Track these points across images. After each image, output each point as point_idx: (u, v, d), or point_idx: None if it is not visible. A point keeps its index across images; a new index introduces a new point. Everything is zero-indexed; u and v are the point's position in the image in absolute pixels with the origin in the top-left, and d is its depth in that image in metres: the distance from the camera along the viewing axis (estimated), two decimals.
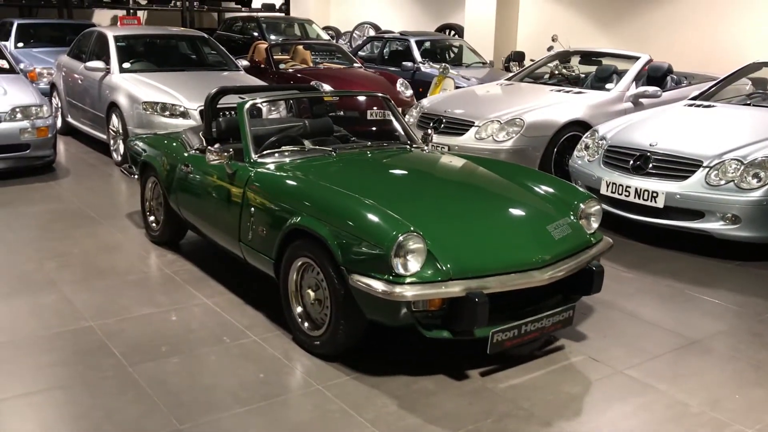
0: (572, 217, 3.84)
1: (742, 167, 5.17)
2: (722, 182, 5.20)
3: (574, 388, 3.42)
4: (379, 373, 3.49)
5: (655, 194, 5.40)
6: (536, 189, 4.05)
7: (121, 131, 7.93)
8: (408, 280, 3.22)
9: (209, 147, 4.68)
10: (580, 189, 4.25)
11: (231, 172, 4.30)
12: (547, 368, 3.60)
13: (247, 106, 4.50)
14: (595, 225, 3.91)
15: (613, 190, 5.65)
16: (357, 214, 3.43)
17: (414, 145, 4.80)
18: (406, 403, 3.24)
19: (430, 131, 5.10)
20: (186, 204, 4.94)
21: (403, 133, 4.96)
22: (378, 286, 3.22)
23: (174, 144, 5.24)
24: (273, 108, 7.69)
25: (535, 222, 3.72)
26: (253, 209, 4.06)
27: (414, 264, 3.24)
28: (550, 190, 4.04)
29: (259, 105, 5.42)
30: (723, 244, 5.32)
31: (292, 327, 3.84)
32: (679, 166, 5.43)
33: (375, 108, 8.00)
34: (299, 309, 3.78)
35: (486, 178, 4.21)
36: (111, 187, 7.30)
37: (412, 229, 3.26)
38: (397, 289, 3.19)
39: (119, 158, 8.10)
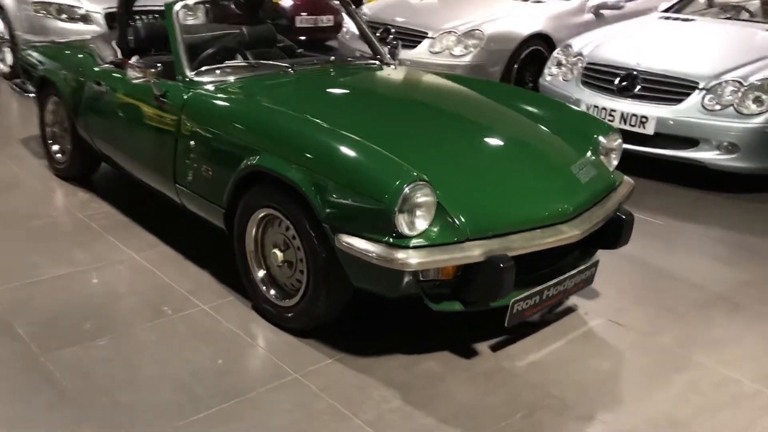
0: (592, 154, 3.18)
1: (742, 90, 4.63)
2: (719, 107, 4.66)
3: (604, 363, 2.85)
4: (368, 352, 2.80)
5: (644, 119, 4.82)
6: (548, 120, 3.34)
7: (7, 37, 6.67)
8: (414, 242, 2.49)
9: (129, 61, 3.72)
10: (600, 119, 3.59)
11: (160, 94, 3.38)
12: (565, 337, 3.00)
13: (177, 7, 3.53)
14: (615, 163, 3.27)
15: (596, 114, 5.04)
16: (346, 157, 2.63)
17: (384, 61, 3.98)
18: (410, 395, 2.57)
19: (396, 42, 4.28)
20: (100, 132, 3.97)
21: (367, 45, 4.11)
22: (375, 250, 2.48)
23: (80, 56, 4.20)
24: (190, 13, 6.62)
25: (558, 163, 3.03)
26: (192, 143, 3.19)
27: (422, 222, 2.51)
28: (564, 120, 3.35)
29: (191, 6, 4.41)
30: (703, 172, 4.82)
31: (252, 294, 3.07)
32: (671, 88, 4.84)
33: (326, 15, 7.01)
34: (261, 273, 3.01)
35: (489, 107, 3.45)
36: None
37: (419, 176, 2.51)
38: (401, 255, 2.45)
39: (7, 69, 6.87)
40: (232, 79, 3.42)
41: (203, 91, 3.29)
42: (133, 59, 3.93)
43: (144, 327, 2.92)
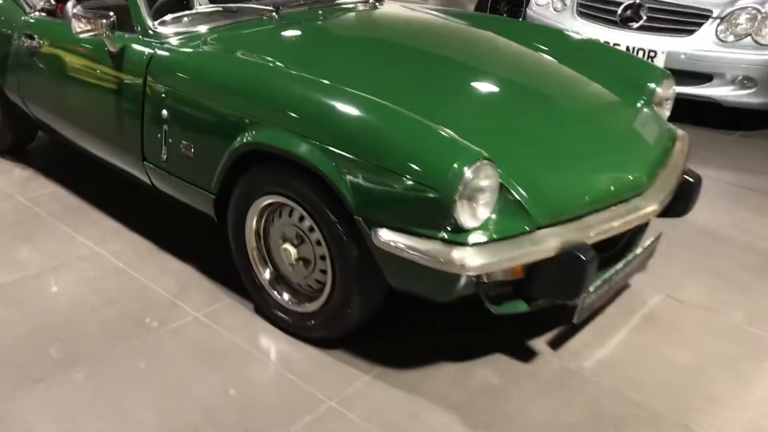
0: (648, 107, 2.70)
1: (760, 17, 4.22)
2: (734, 37, 4.24)
3: (680, 354, 2.45)
4: (407, 363, 2.31)
5: (652, 53, 4.37)
6: (591, 66, 2.82)
7: None
8: (475, 237, 1.98)
9: (67, 6, 3.02)
10: (651, 63, 3.10)
11: (116, 51, 2.71)
12: (627, 324, 2.58)
13: None
14: (667, 113, 2.81)
15: None
16: (385, 132, 2.06)
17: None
18: (475, 417, 2.11)
19: None
20: (36, 97, 3.27)
21: None
22: (426, 248, 1.96)
23: (1, 2, 3.43)
24: None
25: (621, 123, 2.54)
26: (165, 113, 2.55)
27: (484, 210, 2.00)
28: (609, 65, 2.84)
29: None
30: (717, 110, 4.45)
31: (257, 299, 2.52)
32: (680, 18, 4.39)
33: None
34: (268, 273, 2.47)
35: (527, 56, 2.88)
36: None
37: (480, 154, 1.98)
38: (459, 254, 1.93)
39: None
40: (204, 28, 2.76)
41: (172, 46, 2.65)
42: (71, 4, 3.21)
43: (127, 349, 2.35)
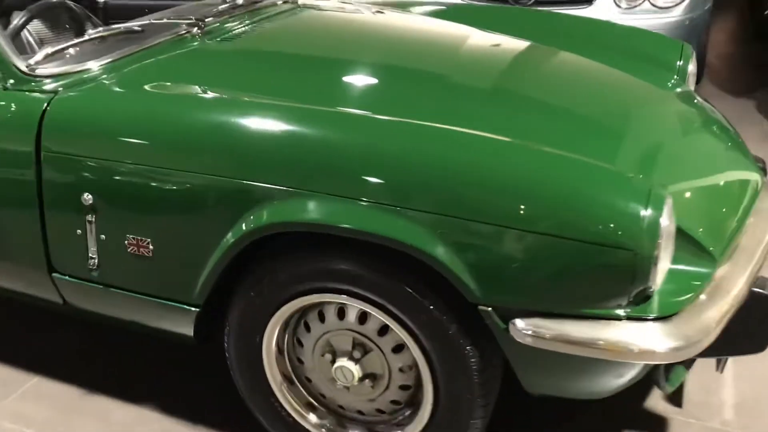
0: (683, 84, 2.25)
1: None
2: (632, 3, 4.03)
3: None
4: None
5: None
6: (612, 50, 2.28)
7: None
8: (668, 304, 1.38)
9: None
10: (671, 38, 2.64)
11: None
12: None
13: None
14: (692, 88, 2.40)
15: None
16: (524, 177, 1.36)
17: None
18: None
19: None
20: None
21: None
22: (612, 335, 1.33)
23: None
24: None
25: (693, 111, 2.04)
26: (88, 198, 1.63)
27: (665, 262, 1.41)
28: (630, 46, 2.33)
29: None
30: None
31: None
32: None
33: None
34: (315, 418, 1.69)
35: (573, 61, 2.18)
36: None
37: (662, 189, 1.38)
38: (659, 335, 1.34)
39: None
40: (95, 66, 1.84)
41: (83, 88, 1.72)
42: None
43: None
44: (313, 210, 1.44)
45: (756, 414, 1.89)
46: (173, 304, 1.66)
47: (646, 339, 1.34)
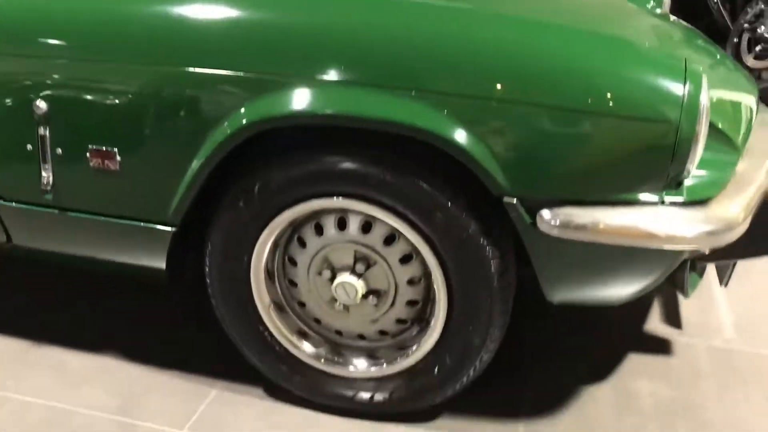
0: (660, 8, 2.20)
1: None
2: None
3: None
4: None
5: None
6: None
7: None
8: (706, 189, 1.30)
9: None
10: None
11: None
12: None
13: None
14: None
15: None
16: (559, 53, 1.24)
17: None
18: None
19: None
20: None
21: None
22: (656, 219, 1.23)
23: None
24: None
25: (689, 29, 1.98)
26: (41, 105, 1.40)
27: (702, 141, 1.31)
28: None
29: None
30: None
31: (301, 388, 1.53)
32: None
33: None
34: (310, 347, 1.52)
35: None
36: None
37: (698, 68, 1.27)
38: (703, 218, 1.25)
39: None
40: None
41: None
42: None
43: None
44: (313, 100, 1.28)
45: (755, 330, 1.85)
46: (145, 225, 1.45)
47: (687, 224, 1.24)
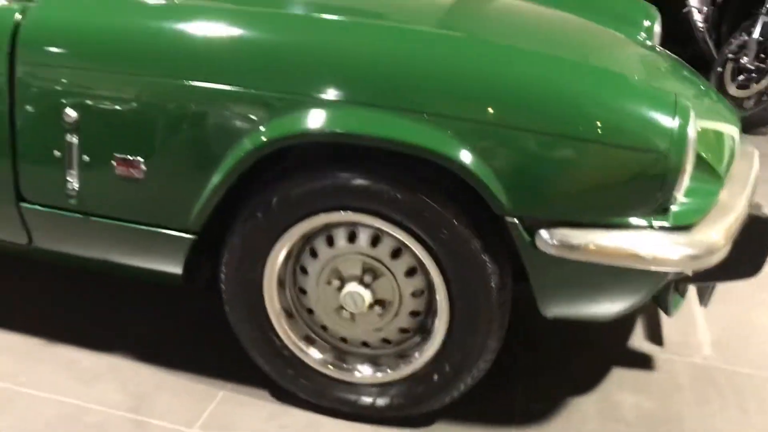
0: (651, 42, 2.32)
1: None
2: None
3: None
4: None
5: None
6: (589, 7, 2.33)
7: None
8: (691, 215, 1.41)
9: None
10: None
11: None
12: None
13: None
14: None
15: None
16: (560, 83, 1.35)
17: None
18: None
19: None
20: None
21: None
22: (645, 243, 1.33)
23: None
24: None
25: (677, 61, 2.11)
26: (71, 113, 1.49)
27: (689, 170, 1.42)
28: (605, 6, 2.37)
29: None
30: None
31: (307, 392, 1.61)
32: None
33: None
34: (316, 353, 1.60)
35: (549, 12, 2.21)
36: None
37: (686, 101, 1.39)
38: (689, 242, 1.36)
39: None
40: None
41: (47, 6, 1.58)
42: None
43: None
44: (326, 119, 1.38)
45: (732, 349, 1.96)
46: (166, 231, 1.54)
47: (672, 247, 1.35)
